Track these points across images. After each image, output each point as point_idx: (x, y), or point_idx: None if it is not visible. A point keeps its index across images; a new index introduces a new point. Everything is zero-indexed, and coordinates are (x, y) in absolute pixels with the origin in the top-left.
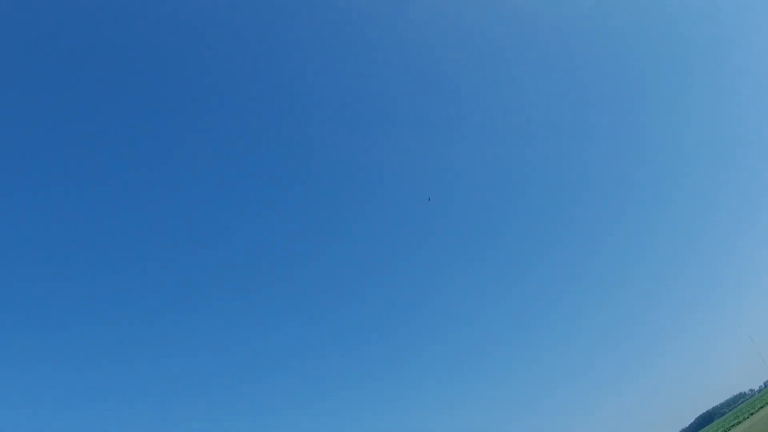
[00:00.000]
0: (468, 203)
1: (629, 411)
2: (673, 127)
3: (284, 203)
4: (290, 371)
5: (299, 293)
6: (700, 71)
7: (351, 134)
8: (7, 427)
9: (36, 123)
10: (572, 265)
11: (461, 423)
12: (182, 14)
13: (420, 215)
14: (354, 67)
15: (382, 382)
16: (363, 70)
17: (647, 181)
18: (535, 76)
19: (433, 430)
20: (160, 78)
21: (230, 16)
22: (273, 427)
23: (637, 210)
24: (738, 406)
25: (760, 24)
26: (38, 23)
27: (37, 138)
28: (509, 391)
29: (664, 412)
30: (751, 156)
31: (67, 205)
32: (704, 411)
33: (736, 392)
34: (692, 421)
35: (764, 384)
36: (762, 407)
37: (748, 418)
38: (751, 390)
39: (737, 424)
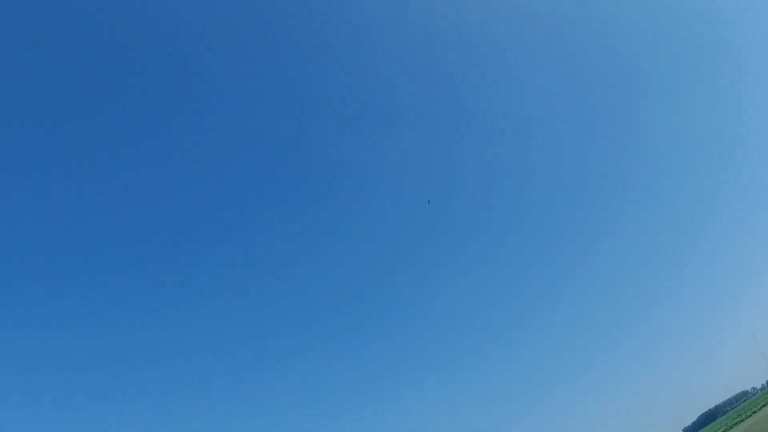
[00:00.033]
0: (467, 203)
1: (632, 410)
2: (673, 126)
3: (284, 203)
4: (290, 371)
5: (299, 293)
6: (701, 71)
7: (351, 134)
8: (7, 427)
9: (36, 123)
10: (573, 265)
11: (461, 423)
12: (183, 14)
13: (420, 215)
14: (354, 67)
15: (382, 382)
16: (363, 70)
17: (647, 180)
18: (533, 75)
19: (433, 430)
20: (160, 78)
21: (230, 15)
22: (273, 428)
23: (638, 209)
24: (740, 404)
25: (762, 23)
26: (38, 23)
27: (37, 138)
28: (509, 391)
29: (666, 411)
30: (752, 155)
31: (67, 205)
32: (707, 409)
33: (738, 390)
34: (695, 419)
35: (767, 382)
36: (764, 405)
37: (750, 416)
38: (753, 388)
39: (740, 422)
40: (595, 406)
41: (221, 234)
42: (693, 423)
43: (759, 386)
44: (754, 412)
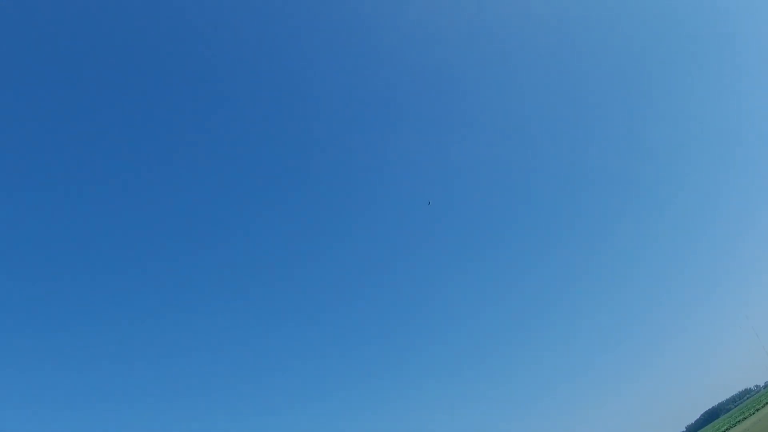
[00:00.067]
0: (467, 203)
1: (634, 409)
2: (673, 125)
3: (284, 203)
4: (290, 371)
5: (299, 293)
6: (702, 70)
7: (351, 134)
8: (7, 427)
9: (36, 123)
10: (573, 264)
11: (461, 423)
12: (183, 13)
13: (419, 215)
14: (354, 67)
15: (382, 382)
16: (363, 69)
17: (648, 179)
18: (532, 75)
19: (433, 430)
20: (159, 77)
21: (229, 14)
22: (273, 428)
23: (639, 208)
24: (743, 402)
25: (763, 23)
26: (38, 23)
27: (37, 138)
28: (510, 391)
29: (669, 409)
30: (755, 150)
31: (67, 205)
32: (709, 407)
33: (741, 388)
34: (698, 417)
35: None
36: (767, 403)
37: (753, 414)
38: (756, 386)
39: (743, 420)
40: (596, 405)
41: (221, 234)
42: (695, 421)
43: (762, 384)
44: (757, 410)
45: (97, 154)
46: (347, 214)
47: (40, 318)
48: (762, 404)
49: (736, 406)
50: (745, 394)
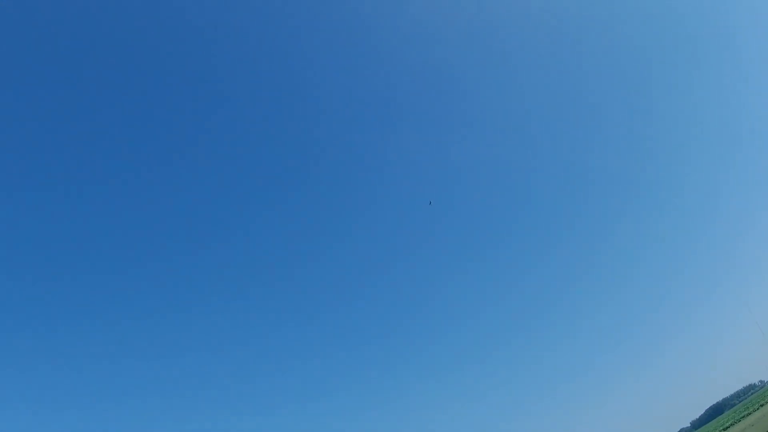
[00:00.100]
0: (466, 203)
1: (639, 405)
2: (673, 125)
3: (284, 203)
4: (290, 371)
5: (299, 293)
6: (702, 70)
7: (351, 134)
8: (6, 427)
9: (36, 123)
10: (575, 263)
11: (461, 423)
12: (183, 12)
13: (420, 215)
14: (353, 66)
15: (383, 382)
16: (363, 69)
17: (649, 176)
18: (531, 75)
19: (434, 429)
20: (160, 77)
21: (230, 15)
22: (273, 428)
23: (640, 205)
24: (748, 397)
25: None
26: (38, 23)
27: (37, 138)
28: (512, 391)
29: (673, 405)
30: (753, 147)
31: (68, 205)
32: (714, 403)
33: (745, 384)
34: (702, 412)
35: None
36: None
37: (758, 409)
38: (761, 381)
39: (747, 415)
40: (600, 403)
41: (221, 234)
42: (700, 417)
43: (766, 379)
44: (761, 406)
45: (98, 154)
46: (347, 214)
47: (40, 318)
48: (766, 399)
49: (740, 402)
50: (750, 389)
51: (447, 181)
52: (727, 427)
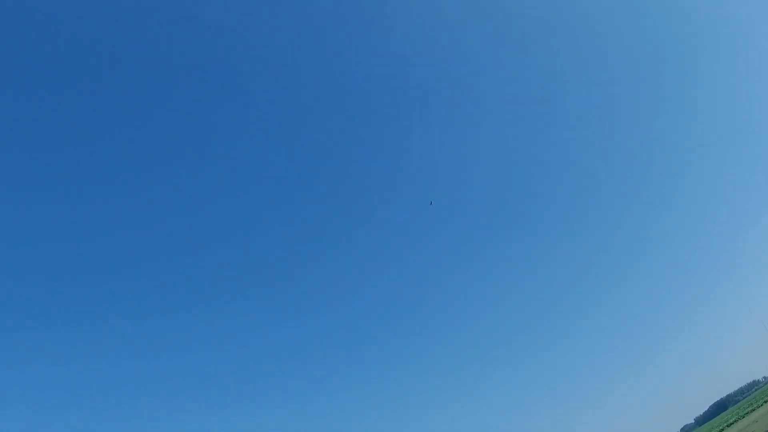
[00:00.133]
0: (467, 203)
1: (643, 401)
2: (673, 126)
3: (284, 203)
4: (291, 371)
5: (300, 293)
6: (710, 70)
7: (352, 133)
8: (6, 426)
9: (38, 123)
10: (577, 262)
11: (461, 423)
12: (186, 13)
13: (420, 215)
14: (354, 65)
15: (383, 382)
16: (364, 68)
17: (655, 167)
18: (531, 75)
19: (434, 429)
20: (161, 77)
21: (231, 13)
22: (274, 427)
23: (646, 198)
24: (752, 393)
25: None
26: (40, 23)
27: (39, 138)
28: (512, 391)
29: (677, 401)
30: (761, 141)
31: (69, 205)
32: (718, 399)
33: (749, 380)
34: (706, 409)
35: None
36: None
37: (762, 405)
38: (765, 377)
39: (751, 411)
40: (605, 399)
41: (223, 233)
42: (704, 413)
43: None
44: (766, 401)
45: (100, 154)
46: (347, 214)
47: (42, 317)
48: None
49: (744, 398)
50: (754, 385)
51: (447, 181)
52: (731, 424)
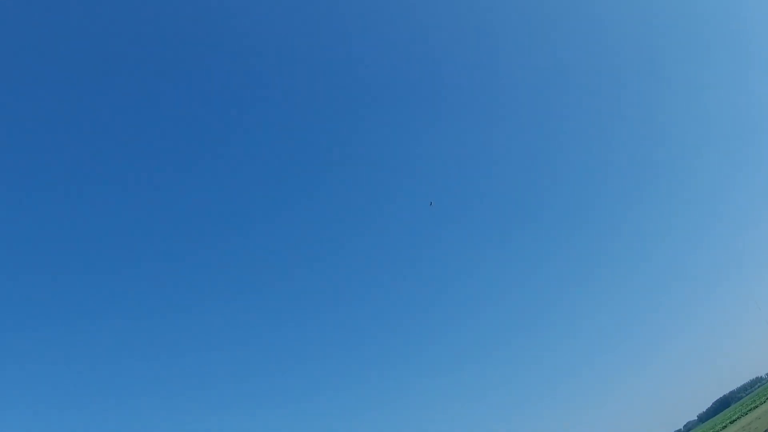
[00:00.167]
0: (467, 204)
1: (646, 399)
2: (674, 126)
3: (285, 203)
4: (291, 370)
5: (300, 293)
6: (712, 70)
7: (354, 133)
8: (5, 426)
9: (40, 122)
10: (583, 258)
11: (462, 422)
12: (191, 14)
13: (421, 216)
14: (354, 65)
15: (383, 382)
16: (365, 68)
17: (658, 165)
18: (531, 75)
19: (434, 429)
20: (160, 77)
21: (234, 16)
22: (274, 427)
23: (650, 196)
24: (755, 390)
25: None
26: (42, 23)
27: (41, 137)
28: (516, 390)
29: (680, 398)
30: (754, 145)
31: (70, 205)
32: (721, 395)
33: (752, 377)
34: (709, 405)
35: None
36: None
37: (764, 402)
38: (767, 374)
39: (754, 408)
40: (609, 397)
41: (225, 233)
42: (707, 410)
43: None
44: None
45: (102, 154)
46: (347, 214)
47: (45, 316)
48: None
49: (747, 395)
50: (756, 382)
51: (447, 181)
52: (734, 420)
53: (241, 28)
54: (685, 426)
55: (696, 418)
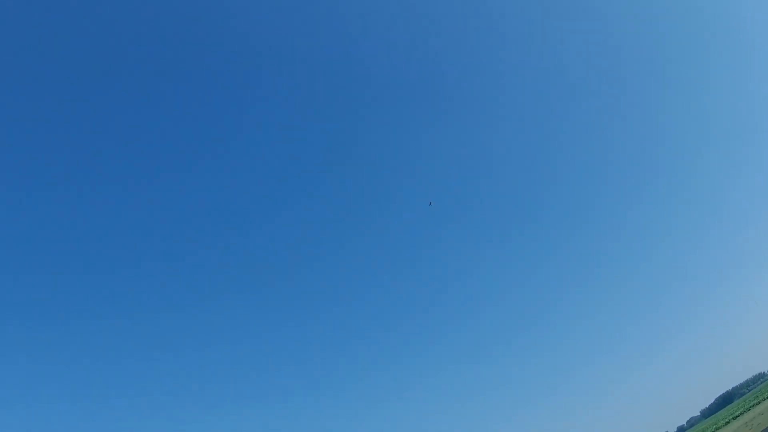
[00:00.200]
0: (467, 204)
1: (649, 395)
2: (674, 127)
3: (284, 203)
4: (291, 369)
5: (300, 293)
6: (713, 70)
7: (354, 133)
8: (5, 426)
9: (41, 122)
10: (587, 254)
11: (462, 422)
12: (193, 14)
13: (421, 216)
14: (356, 66)
15: (383, 381)
16: (365, 67)
17: (665, 160)
18: (532, 75)
19: (434, 429)
20: (161, 77)
21: (233, 13)
22: (275, 424)
23: (654, 192)
24: (758, 386)
25: None
26: (46, 24)
27: (43, 137)
28: (520, 388)
29: (684, 394)
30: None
31: (74, 205)
32: (724, 391)
33: (755, 372)
34: (712, 401)
35: None
36: None
37: (767, 398)
38: None
39: (757, 404)
40: (612, 392)
41: (224, 233)
42: (710, 405)
43: None
44: None
45: (106, 154)
46: (345, 215)
47: (44, 316)
48: None
49: (750, 391)
50: (759, 378)
51: (447, 181)
52: (737, 416)
53: (241, 27)
54: (688, 422)
55: (699, 413)
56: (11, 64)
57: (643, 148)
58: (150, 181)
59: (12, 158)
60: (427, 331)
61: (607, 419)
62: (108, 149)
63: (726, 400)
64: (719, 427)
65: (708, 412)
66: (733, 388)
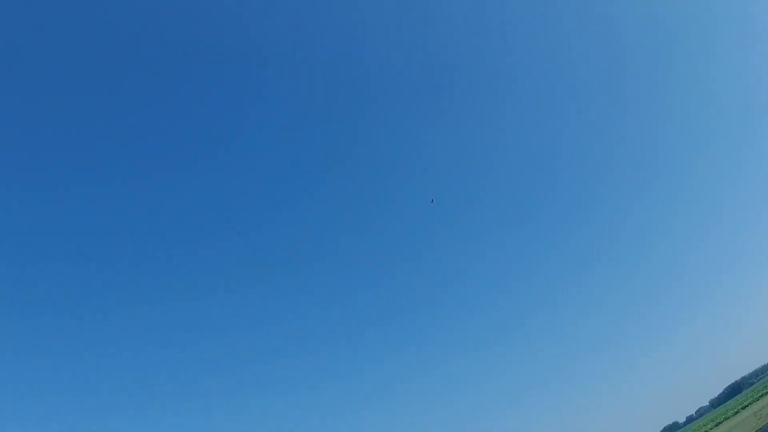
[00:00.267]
0: (467, 202)
1: (658, 384)
2: (675, 127)
3: (284, 203)
4: (291, 368)
5: (300, 293)
6: (714, 70)
7: (356, 133)
8: (6, 424)
9: (43, 122)
10: (594, 247)
11: (462, 422)
12: (195, 14)
13: (421, 213)
14: (356, 65)
15: (383, 380)
16: (365, 67)
17: (665, 160)
18: (533, 75)
19: (433, 428)
20: (161, 77)
21: (233, 13)
22: (272, 422)
23: (661, 187)
24: (766, 376)
25: None
26: (46, 24)
27: (45, 137)
28: (514, 391)
29: (692, 384)
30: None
31: (77, 205)
32: (732, 381)
33: (764, 362)
34: (721, 391)
35: None
36: None
37: None
38: None
39: (766, 393)
40: (622, 382)
41: (225, 233)
42: (719, 395)
43: None
44: None
45: (106, 154)
46: (345, 215)
47: (44, 316)
48: None
49: (759, 381)
50: None
51: (446, 179)
52: (746, 406)
53: (241, 27)
54: (697, 411)
55: (708, 403)
56: (11, 64)
57: (643, 148)
58: (152, 180)
59: (13, 158)
60: (426, 328)
61: (617, 410)
62: (109, 148)
63: (734, 390)
64: (728, 417)
65: (717, 402)
66: (741, 378)
